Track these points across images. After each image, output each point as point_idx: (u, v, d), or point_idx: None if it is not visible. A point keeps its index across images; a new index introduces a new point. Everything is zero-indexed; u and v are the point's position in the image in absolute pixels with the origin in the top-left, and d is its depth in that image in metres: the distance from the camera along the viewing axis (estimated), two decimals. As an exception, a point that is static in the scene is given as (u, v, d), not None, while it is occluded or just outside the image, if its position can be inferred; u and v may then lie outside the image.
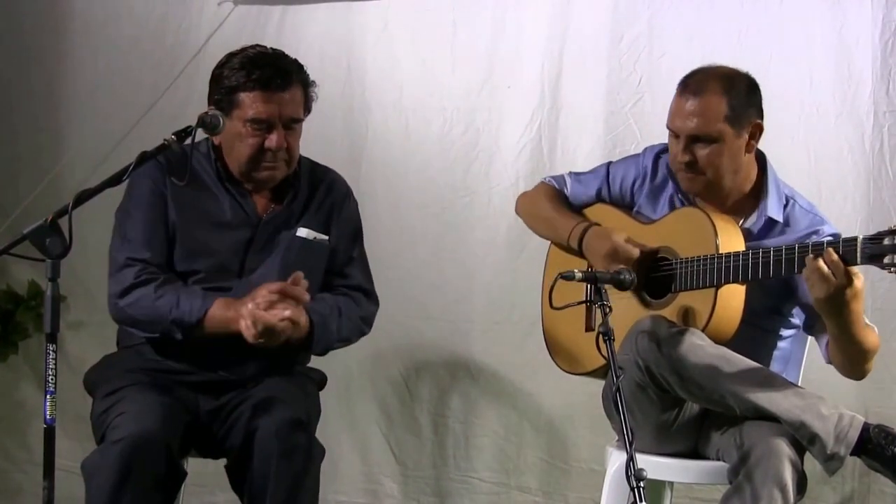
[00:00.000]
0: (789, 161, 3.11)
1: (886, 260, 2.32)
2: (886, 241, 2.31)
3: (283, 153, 2.67)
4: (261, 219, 2.73)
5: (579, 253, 2.81)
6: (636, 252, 2.69)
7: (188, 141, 2.51)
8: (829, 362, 2.62)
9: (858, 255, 2.36)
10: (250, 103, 2.64)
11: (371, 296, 2.87)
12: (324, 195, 2.80)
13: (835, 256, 2.38)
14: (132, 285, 2.63)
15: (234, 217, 2.72)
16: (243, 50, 2.71)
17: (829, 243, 2.41)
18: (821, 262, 2.38)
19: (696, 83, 2.65)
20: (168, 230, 2.69)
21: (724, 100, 2.62)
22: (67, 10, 3.71)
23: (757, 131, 2.67)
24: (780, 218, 2.69)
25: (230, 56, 2.70)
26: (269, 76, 2.63)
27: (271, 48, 2.75)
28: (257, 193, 2.74)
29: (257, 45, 2.75)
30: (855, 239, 2.37)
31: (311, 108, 2.75)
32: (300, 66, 2.72)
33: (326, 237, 2.75)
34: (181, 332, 2.61)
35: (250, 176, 2.70)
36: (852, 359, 2.55)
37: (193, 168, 2.69)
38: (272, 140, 2.65)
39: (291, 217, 2.75)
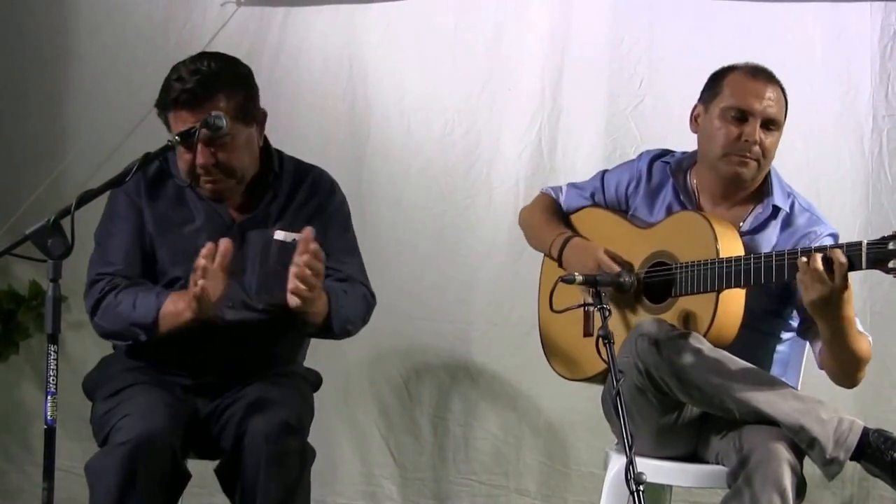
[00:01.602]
0: (788, 164, 3.10)
1: (891, 264, 2.32)
2: (891, 246, 2.32)
3: (214, 170, 2.62)
4: (234, 222, 2.72)
5: (560, 264, 2.81)
6: (616, 268, 2.70)
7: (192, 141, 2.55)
8: (822, 368, 2.62)
9: (863, 259, 2.36)
10: (172, 123, 2.62)
11: (367, 287, 2.82)
12: (306, 194, 2.77)
13: (843, 259, 2.37)
14: (97, 300, 2.65)
15: (208, 222, 2.70)
16: (184, 61, 2.66)
17: (833, 246, 2.42)
18: (818, 264, 2.39)
19: (764, 71, 2.72)
20: (146, 242, 2.69)
21: (784, 94, 2.72)
22: (71, 10, 3.72)
23: None
24: (785, 207, 2.71)
25: (173, 69, 2.66)
26: (179, 95, 2.58)
27: (211, 56, 2.68)
28: (230, 200, 2.73)
29: (201, 54, 2.71)
30: (859, 243, 2.37)
31: (253, 116, 2.66)
32: (228, 72, 2.65)
33: None
34: (144, 334, 2.61)
35: (199, 188, 2.68)
36: (844, 365, 2.54)
37: (170, 176, 2.70)
38: (198, 157, 2.60)
39: (269, 218, 2.72)
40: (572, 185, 2.96)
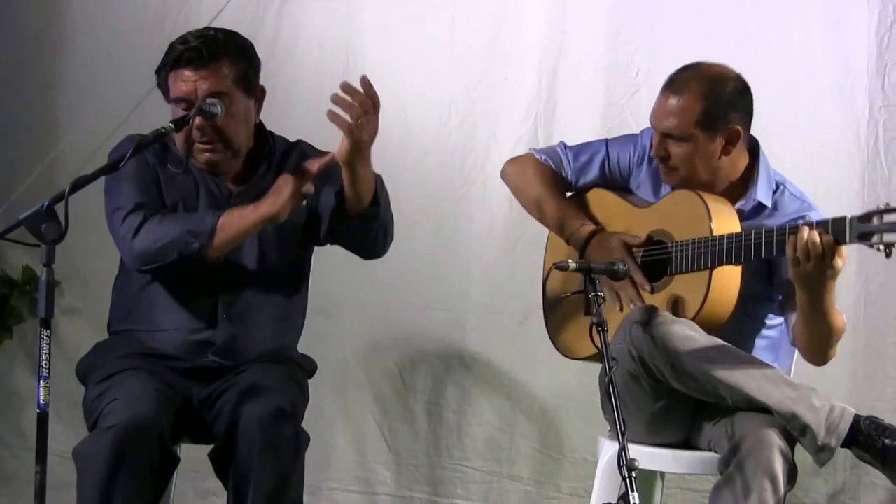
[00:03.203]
0: (786, 154, 3.12)
1: (874, 239, 2.32)
2: (875, 221, 2.32)
3: (211, 133, 2.62)
4: (231, 194, 2.72)
5: (581, 255, 2.80)
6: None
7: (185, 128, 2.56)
8: (793, 344, 2.62)
9: (848, 234, 2.36)
10: (172, 83, 2.63)
11: None
12: (298, 160, 2.76)
13: (829, 237, 2.37)
14: (139, 224, 2.60)
15: (204, 196, 2.70)
16: (189, 31, 2.70)
17: (820, 222, 2.42)
18: (815, 236, 2.39)
19: (679, 82, 2.67)
20: (160, 193, 2.67)
21: (700, 104, 2.64)
22: (67, -1, 3.72)
23: (735, 137, 2.67)
24: (768, 203, 2.70)
25: (178, 37, 2.69)
26: (181, 53, 2.60)
27: (217, 29, 2.72)
28: (225, 174, 2.73)
29: (206, 27, 2.75)
30: (844, 218, 2.37)
31: (254, 88, 2.69)
32: (233, 43, 2.67)
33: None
34: (198, 242, 2.56)
35: (193, 159, 2.67)
36: (816, 337, 2.54)
37: (164, 156, 2.70)
38: (196, 119, 2.60)
39: (265, 189, 2.70)
40: (576, 161, 2.89)
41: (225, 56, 2.62)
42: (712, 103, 2.64)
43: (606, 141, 2.91)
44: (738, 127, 2.67)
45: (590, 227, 2.81)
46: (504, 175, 2.98)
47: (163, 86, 2.67)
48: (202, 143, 2.63)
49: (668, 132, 2.66)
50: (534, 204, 2.90)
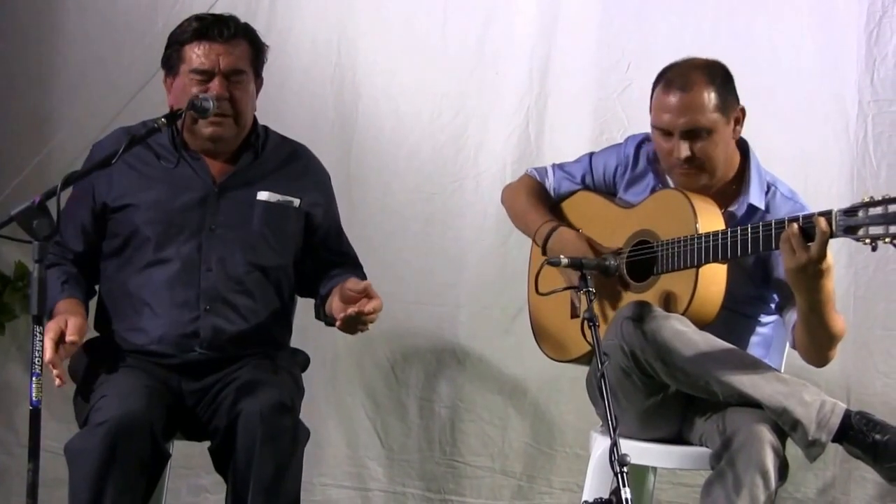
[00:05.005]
0: (775, 149, 3.13)
1: (860, 233, 2.32)
2: (861, 214, 2.32)
3: (227, 106, 2.67)
4: (215, 181, 2.73)
5: (543, 251, 2.83)
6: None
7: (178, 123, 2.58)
8: (794, 346, 2.62)
9: (834, 227, 2.36)
10: (192, 54, 2.67)
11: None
12: (291, 158, 2.82)
13: (825, 227, 2.36)
14: (53, 263, 2.69)
15: (189, 181, 2.72)
16: (200, 13, 2.79)
17: (806, 216, 2.41)
18: (794, 230, 2.39)
19: (681, 77, 2.65)
20: (91, 215, 2.72)
21: (712, 89, 2.64)
22: (60, -10, 3.71)
23: (741, 116, 2.69)
24: (761, 205, 2.71)
25: (186, 19, 2.75)
26: (209, 26, 2.68)
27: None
28: (213, 158, 2.75)
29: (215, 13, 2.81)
30: (830, 211, 2.38)
31: (259, 74, 2.77)
32: (250, 28, 2.77)
33: (294, 200, 2.77)
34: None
35: (195, 132, 2.69)
36: (818, 341, 2.54)
37: (148, 142, 2.70)
38: (214, 87, 2.65)
39: (252, 180, 2.74)
40: (560, 169, 2.96)
41: (245, 36, 2.72)
42: (720, 87, 2.65)
43: (591, 154, 2.93)
44: (742, 106, 2.69)
45: (551, 223, 2.82)
46: (502, 198, 3.04)
47: (173, 59, 2.71)
48: (215, 117, 2.66)
49: (694, 126, 2.62)
50: (513, 214, 2.98)
